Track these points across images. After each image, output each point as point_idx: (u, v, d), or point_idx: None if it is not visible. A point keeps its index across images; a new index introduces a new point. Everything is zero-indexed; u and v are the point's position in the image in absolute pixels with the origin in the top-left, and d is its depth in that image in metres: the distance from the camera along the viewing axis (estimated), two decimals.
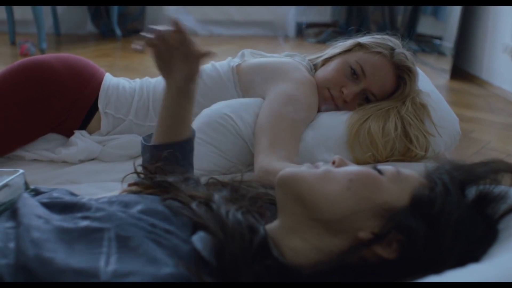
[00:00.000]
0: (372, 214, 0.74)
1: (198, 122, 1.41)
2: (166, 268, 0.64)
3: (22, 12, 4.43)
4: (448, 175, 0.77)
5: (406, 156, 1.36)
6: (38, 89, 1.45)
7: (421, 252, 0.71)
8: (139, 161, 1.07)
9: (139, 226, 0.71)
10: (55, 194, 0.88)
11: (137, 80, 1.62)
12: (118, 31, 4.79)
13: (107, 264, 0.64)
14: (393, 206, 0.74)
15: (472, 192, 0.78)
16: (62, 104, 1.48)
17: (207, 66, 1.57)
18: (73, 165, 1.49)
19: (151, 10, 5.01)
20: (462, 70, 3.79)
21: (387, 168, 0.79)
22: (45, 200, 0.83)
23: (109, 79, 1.57)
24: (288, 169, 0.80)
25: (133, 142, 1.50)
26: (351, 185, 0.76)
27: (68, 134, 1.53)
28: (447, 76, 3.72)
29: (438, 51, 4.09)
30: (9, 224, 0.75)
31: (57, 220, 0.74)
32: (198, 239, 0.71)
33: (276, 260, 0.70)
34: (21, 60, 1.50)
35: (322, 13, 5.26)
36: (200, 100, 1.51)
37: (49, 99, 1.45)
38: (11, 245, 0.70)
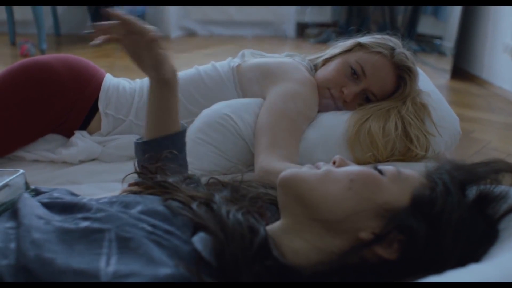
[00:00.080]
0: (373, 214, 0.74)
1: (198, 122, 1.41)
2: (167, 269, 0.64)
3: (22, 12, 4.44)
4: (448, 175, 0.77)
5: (407, 156, 1.36)
6: (38, 90, 1.45)
7: (422, 252, 0.71)
8: None
9: (139, 227, 0.71)
10: (55, 194, 0.88)
11: (137, 80, 1.62)
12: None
13: (108, 265, 0.64)
14: (393, 206, 0.74)
15: (472, 192, 0.78)
16: (62, 105, 1.48)
17: (207, 66, 1.57)
18: (73, 166, 1.49)
19: (151, 10, 5.01)
20: (463, 70, 3.78)
21: (388, 168, 0.79)
22: (45, 200, 0.83)
23: (109, 79, 1.57)
24: (289, 170, 0.80)
25: (134, 142, 1.50)
26: (352, 185, 0.76)
27: (69, 134, 1.53)
28: (447, 76, 3.72)
29: (439, 51, 4.09)
30: (10, 224, 0.76)
31: (58, 220, 0.74)
32: (199, 240, 0.71)
33: (277, 261, 0.70)
34: (21, 61, 1.50)
35: (322, 13, 5.26)
36: (200, 100, 1.51)
37: (49, 100, 1.45)
38: (12, 245, 0.70)
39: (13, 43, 4.38)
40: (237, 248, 0.69)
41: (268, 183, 0.98)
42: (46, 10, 4.28)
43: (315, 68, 1.54)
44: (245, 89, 1.51)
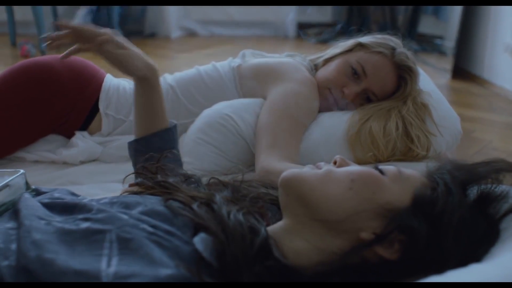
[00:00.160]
0: (374, 215, 0.74)
1: (199, 122, 1.41)
2: (167, 270, 0.64)
3: (22, 13, 4.43)
4: (449, 174, 0.77)
5: (408, 156, 1.36)
6: (38, 90, 1.45)
7: (423, 252, 0.70)
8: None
9: (140, 227, 0.71)
10: (56, 195, 0.88)
11: None
12: (119, 32, 4.78)
13: (109, 266, 0.64)
14: (395, 206, 0.74)
15: (473, 191, 0.78)
16: (62, 105, 1.48)
17: (208, 67, 1.57)
18: (74, 166, 1.49)
19: (151, 10, 5.01)
20: (463, 70, 3.78)
21: (389, 168, 0.79)
22: (46, 201, 0.83)
23: (109, 80, 1.57)
24: (291, 170, 0.80)
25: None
26: (352, 185, 0.76)
27: (69, 135, 1.53)
28: (448, 75, 3.72)
29: (439, 51, 4.09)
30: (11, 224, 0.76)
31: (58, 221, 0.75)
32: (199, 240, 0.71)
33: (278, 261, 0.70)
34: (22, 61, 1.50)
35: (322, 13, 5.26)
36: (201, 100, 1.51)
37: (49, 100, 1.45)
38: (13, 246, 0.70)
39: (14, 44, 4.38)
40: (238, 248, 0.69)
41: (269, 183, 0.98)
42: (46, 10, 4.28)
43: (315, 68, 1.54)
44: (245, 89, 1.50)
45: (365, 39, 1.46)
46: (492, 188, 0.78)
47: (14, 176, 0.87)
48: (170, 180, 0.90)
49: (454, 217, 0.72)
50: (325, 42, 4.55)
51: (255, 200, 0.88)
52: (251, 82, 1.49)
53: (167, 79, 1.57)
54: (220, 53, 4.19)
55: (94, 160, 1.53)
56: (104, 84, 1.54)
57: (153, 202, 0.80)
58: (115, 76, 1.62)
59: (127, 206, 0.78)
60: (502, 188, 0.78)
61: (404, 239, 0.72)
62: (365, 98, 1.44)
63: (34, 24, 3.95)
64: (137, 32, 5.00)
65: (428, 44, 4.24)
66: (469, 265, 0.67)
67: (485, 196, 0.77)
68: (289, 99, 1.37)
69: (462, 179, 0.77)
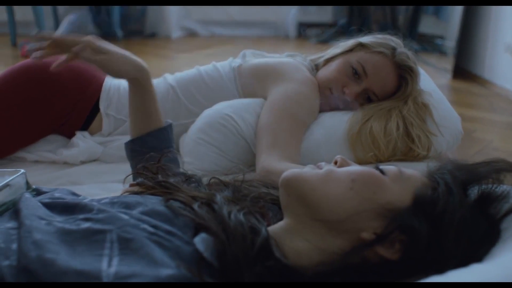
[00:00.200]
0: (375, 215, 0.74)
1: (199, 122, 1.41)
2: (168, 270, 0.64)
3: (23, 13, 4.43)
4: (450, 174, 0.77)
5: (408, 156, 1.36)
6: (39, 90, 1.45)
7: (424, 252, 0.70)
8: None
9: (140, 227, 0.71)
10: (56, 194, 0.88)
11: None
12: (119, 32, 4.79)
13: (109, 266, 0.64)
14: (395, 206, 0.74)
15: (474, 191, 0.78)
16: (63, 105, 1.48)
17: (208, 67, 1.57)
18: (74, 166, 1.49)
19: (152, 10, 5.01)
20: (464, 70, 3.78)
21: (390, 168, 0.79)
22: (46, 200, 0.83)
23: (110, 80, 1.57)
24: (291, 170, 0.80)
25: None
26: (353, 185, 0.76)
27: (70, 135, 1.53)
28: (449, 75, 3.72)
29: (440, 51, 4.09)
30: (11, 224, 0.76)
31: (59, 221, 0.75)
32: (200, 241, 0.71)
33: (278, 261, 0.70)
34: (22, 62, 1.50)
35: (323, 13, 5.26)
36: (201, 100, 1.51)
37: (50, 100, 1.45)
38: (14, 246, 0.70)
39: (14, 44, 4.38)
40: (239, 248, 0.69)
41: (269, 182, 0.98)
42: (47, 10, 4.29)
43: (316, 68, 1.54)
44: (246, 89, 1.50)
45: (365, 39, 1.46)
46: (493, 188, 0.78)
47: (14, 176, 0.87)
48: (171, 180, 0.90)
49: (455, 217, 0.72)
50: (325, 42, 4.55)
51: (256, 200, 0.88)
52: (252, 82, 1.49)
53: (167, 79, 1.57)
54: (220, 53, 4.19)
55: (94, 160, 1.53)
56: (104, 84, 1.54)
57: (154, 202, 0.80)
58: None
59: (127, 206, 0.78)
60: (503, 188, 0.78)
61: (405, 239, 0.72)
62: (366, 98, 1.43)
63: (35, 24, 3.96)
64: (138, 32, 5.00)
65: (428, 44, 4.24)
66: (470, 265, 0.67)
67: (486, 196, 0.77)
68: (290, 99, 1.37)
69: (463, 179, 0.77)
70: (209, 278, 0.66)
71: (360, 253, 0.73)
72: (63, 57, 1.11)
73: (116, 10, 4.74)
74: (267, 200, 0.90)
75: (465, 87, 3.54)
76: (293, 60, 1.52)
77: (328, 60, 1.50)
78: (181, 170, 1.08)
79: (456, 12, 3.70)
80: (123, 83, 1.58)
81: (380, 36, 1.48)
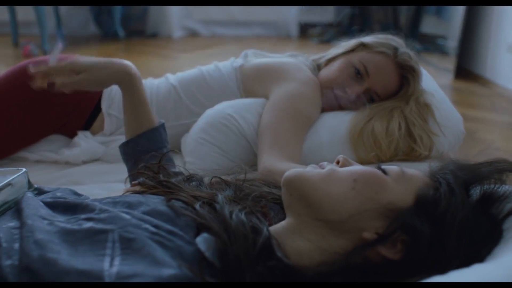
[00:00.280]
0: (377, 214, 0.74)
1: (201, 122, 1.41)
2: (170, 270, 0.64)
3: (24, 13, 4.44)
4: (452, 175, 0.77)
5: (410, 156, 1.36)
6: (40, 90, 1.45)
7: (426, 252, 0.70)
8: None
9: (142, 227, 0.71)
10: (58, 194, 0.88)
11: None
12: (121, 32, 4.79)
13: (111, 266, 0.64)
14: (397, 206, 0.74)
15: (476, 192, 0.78)
16: (64, 105, 1.48)
17: (210, 67, 1.57)
18: (76, 166, 1.49)
19: (153, 10, 5.02)
20: (466, 70, 3.78)
21: (392, 168, 0.79)
22: (48, 200, 0.83)
23: None
24: (294, 169, 0.80)
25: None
26: (355, 185, 0.76)
27: (71, 135, 1.53)
28: (451, 75, 3.71)
29: (442, 51, 4.08)
30: (13, 223, 0.76)
31: (61, 221, 0.75)
32: (202, 240, 0.71)
33: (280, 261, 0.70)
34: (23, 62, 1.50)
35: (325, 13, 5.25)
36: (203, 100, 1.51)
37: (50, 100, 1.45)
38: (16, 246, 0.70)
39: (16, 44, 4.39)
40: (240, 248, 0.69)
41: (271, 182, 0.98)
42: (48, 10, 4.29)
43: (318, 68, 1.54)
44: (248, 89, 1.50)
45: (367, 39, 1.46)
46: (495, 188, 0.78)
47: (16, 175, 0.87)
48: (172, 179, 0.90)
49: (457, 217, 0.71)
50: (327, 42, 4.55)
51: (258, 199, 0.88)
52: (253, 82, 1.49)
53: (169, 79, 1.57)
54: (222, 53, 4.19)
55: (96, 160, 1.53)
56: None
57: (156, 202, 0.80)
58: None
59: (129, 206, 0.78)
60: (505, 188, 0.78)
61: (406, 239, 0.72)
62: (368, 98, 1.43)
63: (37, 24, 3.96)
64: (139, 32, 5.00)
65: (430, 44, 4.23)
66: (472, 265, 0.66)
67: (488, 196, 0.77)
68: (291, 99, 1.37)
69: (465, 179, 0.77)
70: (210, 278, 0.66)
71: (362, 253, 0.73)
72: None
73: (117, 10, 4.74)
74: (269, 200, 0.90)
75: (467, 87, 3.54)
76: (295, 60, 1.52)
77: (330, 60, 1.50)
78: (181, 169, 1.08)
79: (458, 12, 3.70)
80: None
81: (382, 36, 1.48)
